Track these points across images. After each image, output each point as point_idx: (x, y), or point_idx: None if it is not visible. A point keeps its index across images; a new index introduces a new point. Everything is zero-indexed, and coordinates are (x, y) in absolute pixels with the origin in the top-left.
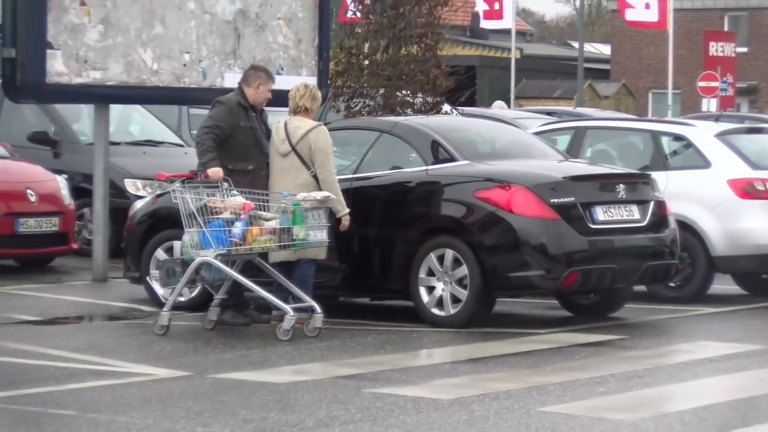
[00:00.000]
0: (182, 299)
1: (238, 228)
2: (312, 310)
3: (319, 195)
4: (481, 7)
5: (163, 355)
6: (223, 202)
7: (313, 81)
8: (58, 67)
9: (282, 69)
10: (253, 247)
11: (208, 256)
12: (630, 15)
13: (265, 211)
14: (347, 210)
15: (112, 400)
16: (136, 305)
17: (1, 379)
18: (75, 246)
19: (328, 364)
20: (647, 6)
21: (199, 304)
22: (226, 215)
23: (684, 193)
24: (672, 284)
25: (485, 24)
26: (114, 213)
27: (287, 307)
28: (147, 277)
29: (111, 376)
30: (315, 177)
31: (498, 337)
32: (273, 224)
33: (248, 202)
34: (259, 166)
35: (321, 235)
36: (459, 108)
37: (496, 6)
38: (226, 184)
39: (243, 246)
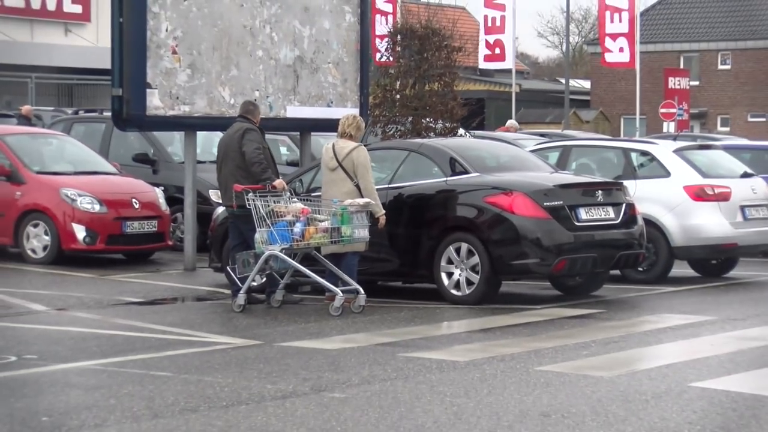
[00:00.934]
0: (255, 284)
1: (298, 227)
2: (357, 291)
3: (361, 201)
4: (483, 51)
5: (240, 328)
6: (286, 207)
7: (356, 111)
8: (155, 103)
9: (332, 102)
10: (310, 243)
11: (275, 249)
12: (608, 57)
13: (318, 214)
14: (383, 211)
15: (200, 363)
16: (219, 289)
17: (113, 348)
18: (170, 243)
19: (369, 334)
20: (621, 50)
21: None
22: (289, 218)
23: (649, 197)
24: (640, 269)
25: (487, 65)
26: (200, 217)
27: (337, 290)
28: (227, 267)
29: (199, 345)
30: (357, 186)
31: (503, 312)
32: (326, 224)
33: (305, 207)
34: (275, 175)
35: (363, 233)
36: (471, 131)
37: (497, 51)
38: (287, 193)
39: (302, 242)
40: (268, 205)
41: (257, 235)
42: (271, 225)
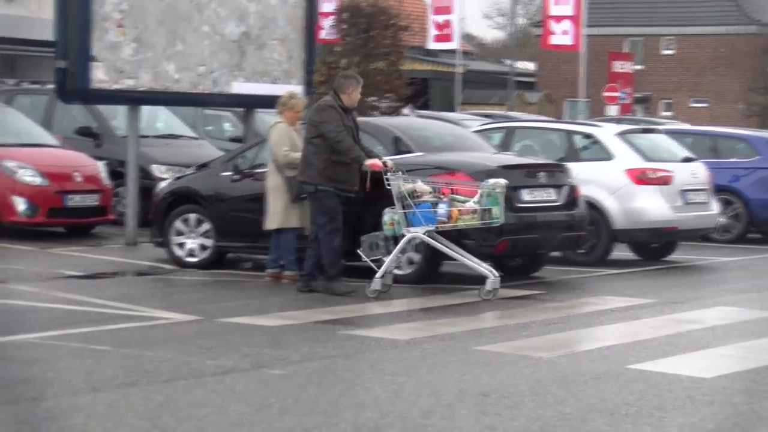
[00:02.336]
0: (398, 272)
1: (442, 209)
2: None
3: (503, 182)
4: (432, 31)
5: (181, 303)
6: (418, 187)
7: (300, 89)
8: (100, 76)
9: (277, 79)
10: (458, 224)
11: (418, 232)
12: (552, 40)
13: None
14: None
15: (141, 338)
16: (160, 264)
17: (52, 321)
18: (112, 217)
19: (310, 311)
20: (565, 32)
21: (209, 264)
22: (429, 198)
23: (591, 180)
24: (581, 251)
25: (436, 45)
26: (143, 191)
27: (488, 272)
28: (168, 242)
29: (139, 320)
30: None
31: (444, 291)
32: (471, 205)
33: (427, 187)
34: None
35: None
36: (416, 110)
37: (446, 31)
38: (399, 172)
39: (448, 223)
40: (404, 185)
41: (386, 216)
42: (413, 206)
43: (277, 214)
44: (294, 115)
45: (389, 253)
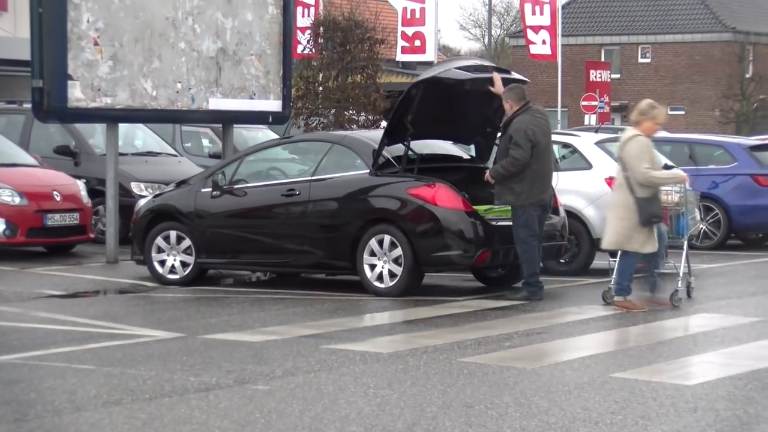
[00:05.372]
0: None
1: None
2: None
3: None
4: (400, 43)
5: (163, 320)
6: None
7: (278, 104)
8: (77, 94)
9: (254, 94)
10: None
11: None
12: (533, 49)
13: None
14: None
15: (123, 356)
16: (141, 281)
17: (33, 341)
18: (92, 235)
19: (292, 326)
20: (543, 42)
21: (191, 281)
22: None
23: (571, 189)
24: (562, 260)
25: (404, 57)
26: (122, 209)
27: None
28: (149, 259)
29: (122, 338)
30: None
31: (426, 304)
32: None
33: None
34: None
35: None
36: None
37: (417, 43)
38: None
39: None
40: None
41: (663, 227)
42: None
43: (619, 234)
44: (654, 126)
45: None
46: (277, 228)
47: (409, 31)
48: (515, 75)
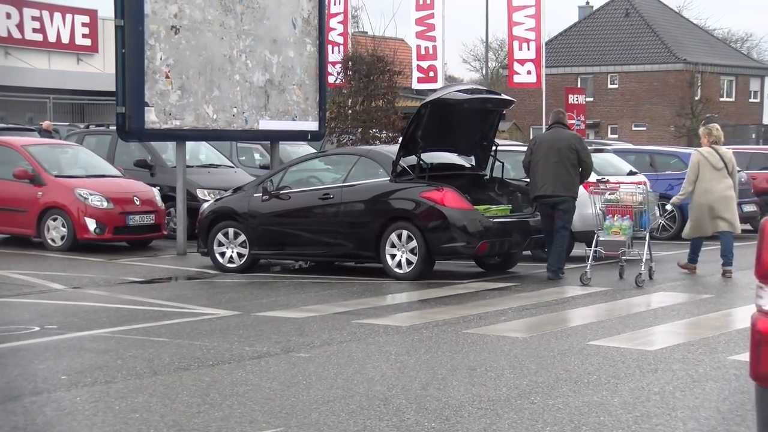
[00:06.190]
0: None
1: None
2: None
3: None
4: (416, 74)
5: (223, 301)
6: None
7: (315, 124)
8: (152, 118)
9: (296, 117)
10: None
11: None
12: (515, 79)
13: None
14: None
15: (191, 330)
16: (205, 270)
17: (119, 318)
18: (165, 233)
19: (328, 305)
20: (528, 72)
21: (245, 268)
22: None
23: None
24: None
25: (420, 86)
26: (190, 211)
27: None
28: (211, 252)
29: (190, 315)
30: None
31: (437, 286)
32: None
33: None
34: None
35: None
36: None
37: (431, 74)
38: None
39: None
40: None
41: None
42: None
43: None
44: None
45: None
46: (315, 225)
47: (424, 64)
48: (504, 96)
